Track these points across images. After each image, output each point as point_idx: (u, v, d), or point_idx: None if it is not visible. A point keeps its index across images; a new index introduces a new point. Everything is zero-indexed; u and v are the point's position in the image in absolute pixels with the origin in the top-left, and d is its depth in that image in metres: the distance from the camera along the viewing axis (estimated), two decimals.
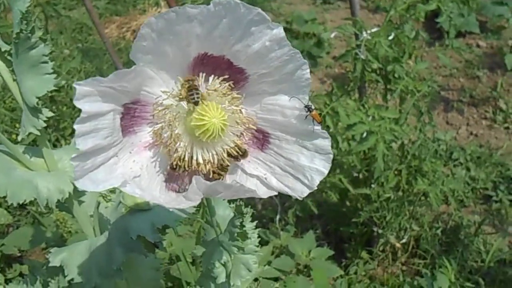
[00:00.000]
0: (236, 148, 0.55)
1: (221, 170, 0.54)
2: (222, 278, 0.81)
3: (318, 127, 0.55)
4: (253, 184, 0.56)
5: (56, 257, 0.83)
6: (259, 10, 0.49)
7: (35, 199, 0.77)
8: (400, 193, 2.07)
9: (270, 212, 2.38)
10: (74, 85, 0.44)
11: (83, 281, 0.80)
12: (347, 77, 1.93)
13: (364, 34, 1.81)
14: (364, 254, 2.22)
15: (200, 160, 0.53)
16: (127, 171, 0.50)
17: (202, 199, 0.71)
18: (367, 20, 3.71)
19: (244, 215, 0.69)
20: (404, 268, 2.24)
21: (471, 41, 3.57)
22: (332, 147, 1.80)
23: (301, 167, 0.56)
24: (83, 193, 0.88)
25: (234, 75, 0.55)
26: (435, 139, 2.70)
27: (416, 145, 2.01)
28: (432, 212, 2.40)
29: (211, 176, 0.55)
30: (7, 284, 1.02)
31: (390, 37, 1.85)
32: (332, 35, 3.46)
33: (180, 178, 0.55)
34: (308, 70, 0.54)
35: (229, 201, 0.85)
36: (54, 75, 0.76)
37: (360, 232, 2.21)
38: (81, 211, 0.88)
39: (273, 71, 0.54)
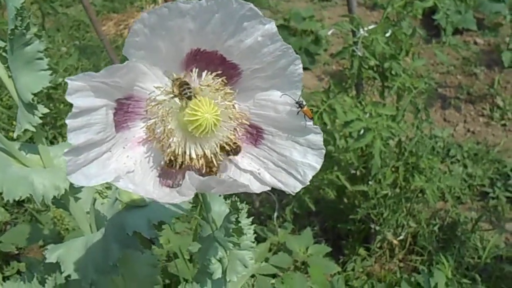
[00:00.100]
0: (229, 143, 0.55)
1: (214, 165, 0.55)
2: (218, 274, 0.81)
3: (310, 123, 0.55)
4: (247, 179, 0.57)
5: (52, 254, 0.83)
6: (251, 5, 0.49)
7: (31, 195, 0.77)
8: (397, 190, 2.07)
9: (267, 209, 2.39)
10: (66, 80, 0.45)
11: (80, 277, 0.80)
12: (344, 74, 1.93)
13: (361, 31, 1.81)
14: (361, 251, 2.22)
15: (193, 155, 0.53)
16: (120, 166, 0.51)
17: (197, 194, 0.71)
18: (365, 17, 3.72)
19: (240, 211, 0.69)
20: (401, 264, 2.25)
21: (468, 38, 3.58)
22: (329, 144, 1.79)
23: (294, 162, 0.56)
24: (79, 189, 0.88)
25: (227, 71, 0.55)
26: (432, 136, 2.71)
27: (413, 142, 2.01)
28: (429, 208, 2.41)
29: (204, 171, 0.55)
30: (4, 281, 1.02)
31: (387, 34, 1.86)
32: (329, 32, 3.47)
33: (174, 173, 0.55)
34: (301, 65, 0.54)
35: (225, 197, 0.86)
36: (49, 72, 0.77)
37: (357, 229, 2.22)
38: (78, 208, 0.88)
39: (266, 66, 0.54)
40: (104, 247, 0.79)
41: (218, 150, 0.54)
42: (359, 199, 2.16)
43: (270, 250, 2.05)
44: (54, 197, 0.80)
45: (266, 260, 1.91)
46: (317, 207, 2.19)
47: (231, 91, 0.55)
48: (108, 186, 0.90)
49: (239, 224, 0.71)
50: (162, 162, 0.54)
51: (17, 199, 0.76)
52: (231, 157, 0.57)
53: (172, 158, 0.53)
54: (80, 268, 0.80)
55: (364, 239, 2.25)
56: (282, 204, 2.31)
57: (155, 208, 0.79)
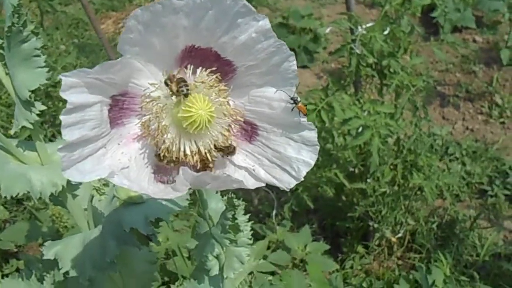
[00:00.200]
0: (223, 140, 0.55)
1: (208, 161, 0.55)
2: (215, 271, 0.82)
3: (304, 119, 0.55)
4: (242, 175, 0.57)
5: (50, 250, 0.83)
6: (245, 1, 0.49)
7: (29, 192, 0.78)
8: (396, 188, 2.08)
9: (266, 207, 2.39)
10: (60, 76, 0.45)
11: (77, 274, 0.80)
12: (343, 72, 1.93)
13: (359, 29, 1.81)
14: (360, 249, 2.23)
15: (188, 152, 0.54)
16: (115, 162, 0.51)
17: (194, 192, 0.72)
18: (364, 15, 3.71)
19: (236, 208, 0.69)
20: (399, 262, 2.25)
21: (467, 36, 3.58)
22: (327, 142, 1.79)
23: (288, 158, 0.56)
24: (76, 186, 0.88)
25: (222, 67, 0.55)
26: (430, 134, 2.71)
27: (412, 139, 2.01)
28: (428, 206, 2.41)
29: (199, 168, 0.55)
30: (3, 279, 1.03)
31: (386, 32, 1.86)
32: (328, 30, 3.47)
33: (169, 169, 0.55)
34: (295, 62, 0.54)
35: (222, 194, 0.86)
36: (46, 69, 0.77)
37: (356, 226, 2.22)
38: (75, 205, 0.88)
39: (260, 63, 0.54)
40: (102, 243, 0.79)
41: (212, 146, 0.55)
42: (357, 196, 2.16)
43: (268, 247, 2.06)
44: (52, 194, 0.80)
45: (265, 257, 1.92)
46: (315, 205, 2.19)
47: (226, 87, 0.55)
48: (106, 183, 0.90)
49: (236, 221, 0.71)
50: (157, 159, 0.55)
51: (14, 195, 0.76)
52: (225, 154, 0.57)
53: (167, 154, 0.53)
54: (77, 265, 0.81)
55: (363, 236, 2.26)
56: (280, 202, 2.31)
57: (152, 204, 0.79)
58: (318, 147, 0.55)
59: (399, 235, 2.23)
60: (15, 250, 2.06)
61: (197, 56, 0.54)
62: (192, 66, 0.54)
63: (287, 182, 0.56)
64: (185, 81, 0.52)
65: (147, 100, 0.53)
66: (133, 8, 3.97)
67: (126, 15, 3.85)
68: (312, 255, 1.98)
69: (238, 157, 0.58)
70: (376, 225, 2.16)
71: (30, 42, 0.75)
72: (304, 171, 0.56)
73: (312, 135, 0.55)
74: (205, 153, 0.54)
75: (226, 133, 0.55)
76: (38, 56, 0.76)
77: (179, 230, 1.98)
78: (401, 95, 1.92)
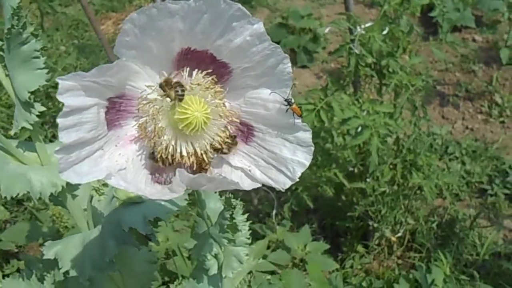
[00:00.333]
0: (219, 141, 0.56)
1: (205, 162, 0.56)
2: (214, 270, 0.82)
3: (298, 120, 0.56)
4: (238, 176, 0.58)
5: (50, 250, 0.84)
6: (239, 5, 0.50)
7: (29, 192, 0.78)
8: (395, 187, 2.08)
9: (266, 206, 2.40)
10: (57, 79, 0.45)
11: (77, 274, 0.81)
12: (342, 72, 1.93)
13: (358, 29, 1.82)
14: (360, 248, 2.23)
15: (184, 153, 0.54)
16: (112, 164, 0.51)
17: (194, 192, 0.72)
18: (363, 14, 3.72)
19: (234, 208, 0.70)
20: (399, 261, 2.26)
21: (467, 35, 3.58)
22: (327, 141, 1.80)
23: (284, 159, 0.57)
24: (76, 187, 0.89)
25: (218, 69, 0.56)
26: (430, 133, 2.72)
27: (411, 139, 2.02)
28: (428, 206, 2.42)
29: (195, 169, 0.56)
30: (4, 279, 1.03)
31: (385, 32, 1.86)
32: (327, 30, 3.47)
33: (165, 170, 0.56)
34: (290, 64, 0.55)
35: (220, 194, 0.86)
36: (46, 70, 0.77)
37: (356, 226, 2.23)
38: (75, 205, 0.89)
39: (256, 65, 0.55)
40: (101, 243, 0.80)
41: (208, 147, 0.55)
42: (357, 196, 2.16)
43: (268, 247, 2.06)
44: (52, 194, 0.80)
45: (265, 257, 1.92)
46: (315, 205, 2.20)
47: (221, 89, 0.56)
48: (105, 183, 0.90)
49: (234, 221, 0.72)
50: (154, 160, 0.55)
51: (14, 196, 0.77)
52: (222, 154, 0.58)
53: (163, 156, 0.54)
54: (77, 265, 0.81)
55: (363, 236, 2.26)
56: (280, 201, 2.32)
57: (151, 204, 0.79)
58: (312, 148, 0.56)
59: (399, 234, 2.24)
60: (16, 250, 2.07)
61: (193, 59, 0.54)
62: (188, 69, 0.55)
63: (282, 183, 0.57)
64: (181, 85, 0.52)
65: (144, 102, 0.54)
66: (133, 9, 3.98)
67: (126, 16, 3.84)
68: (312, 254, 1.99)
69: (235, 158, 0.58)
70: (376, 225, 2.16)
71: (29, 44, 0.76)
72: (299, 171, 0.56)
73: (307, 136, 0.56)
74: (201, 154, 0.55)
75: (222, 134, 0.56)
76: (37, 57, 0.77)
77: (179, 230, 1.99)
78: (400, 94, 1.93)
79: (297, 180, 0.56)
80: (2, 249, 1.96)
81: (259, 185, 0.57)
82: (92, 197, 0.88)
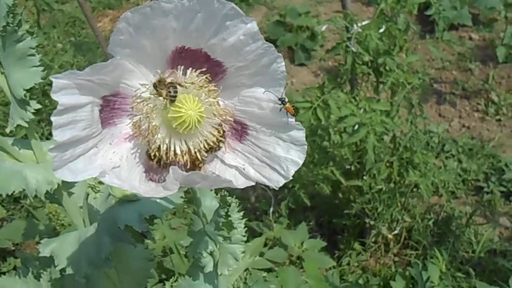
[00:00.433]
0: (213, 139, 0.56)
1: (198, 160, 0.56)
2: (209, 267, 0.83)
3: (292, 119, 0.57)
4: (232, 174, 0.58)
5: (46, 248, 0.84)
6: (233, 4, 0.51)
7: (24, 190, 0.78)
8: (392, 185, 2.09)
9: (263, 204, 2.40)
10: (51, 78, 0.46)
11: (73, 271, 0.81)
12: (339, 70, 1.94)
13: (355, 27, 1.82)
14: (356, 246, 2.24)
15: (178, 151, 0.55)
16: (106, 161, 0.52)
17: (190, 190, 0.72)
18: (360, 12, 3.72)
19: (229, 205, 0.70)
20: (396, 259, 2.27)
21: (463, 33, 3.59)
22: (324, 139, 1.80)
23: (277, 157, 0.57)
24: (72, 184, 0.89)
25: (212, 68, 0.56)
26: (427, 131, 2.72)
27: (408, 137, 2.02)
28: (424, 203, 2.42)
29: (189, 167, 0.56)
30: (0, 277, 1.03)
31: (381, 30, 1.86)
32: (324, 28, 3.47)
33: (159, 168, 0.56)
34: (283, 63, 0.55)
35: (216, 192, 0.87)
36: (41, 68, 0.77)
37: (352, 223, 2.23)
38: (71, 203, 0.89)
39: (249, 64, 0.55)
40: (97, 241, 0.80)
41: (202, 146, 0.55)
42: (354, 194, 2.17)
43: (265, 245, 2.07)
44: (47, 192, 0.81)
45: (262, 255, 1.93)
46: (312, 202, 2.20)
47: (216, 88, 0.56)
48: (101, 181, 0.90)
49: (229, 218, 0.72)
50: (148, 158, 0.55)
51: (10, 193, 0.77)
52: (216, 153, 0.58)
53: (157, 154, 0.54)
54: (73, 262, 0.81)
55: (359, 233, 2.27)
56: (277, 199, 2.32)
57: (147, 202, 0.80)
58: (306, 147, 0.56)
59: (396, 232, 2.25)
60: (13, 248, 2.07)
61: (188, 57, 0.55)
62: (182, 67, 0.55)
63: (276, 181, 0.57)
64: (174, 86, 0.53)
65: (138, 100, 0.54)
66: (130, 6, 3.97)
67: (123, 13, 3.85)
68: (308, 252, 2.00)
69: (229, 156, 0.59)
70: (372, 222, 2.17)
71: (25, 41, 0.76)
72: (292, 170, 0.57)
73: (301, 134, 0.56)
74: (195, 152, 0.55)
75: (216, 133, 0.56)
76: (33, 55, 0.77)
77: (176, 228, 1.99)
78: (397, 92, 1.93)
79: (291, 178, 0.57)
80: None
81: (253, 183, 0.57)
82: (88, 194, 0.89)
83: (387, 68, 1.87)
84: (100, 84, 0.50)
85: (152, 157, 0.55)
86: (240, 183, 0.57)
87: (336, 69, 3.36)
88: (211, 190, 0.86)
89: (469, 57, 3.39)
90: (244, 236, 0.83)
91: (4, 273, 1.03)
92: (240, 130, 0.59)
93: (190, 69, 0.55)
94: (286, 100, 0.55)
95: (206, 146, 0.56)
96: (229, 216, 0.72)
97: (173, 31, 0.51)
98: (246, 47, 0.53)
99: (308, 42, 3.47)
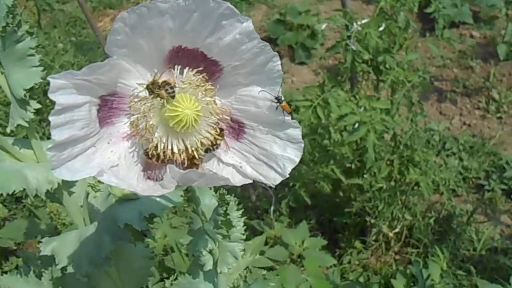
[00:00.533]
0: (210, 138, 0.57)
1: (196, 159, 0.56)
2: (209, 266, 0.83)
3: (288, 117, 0.57)
4: (229, 172, 0.58)
5: (47, 247, 0.85)
6: (228, 4, 0.51)
7: (25, 189, 0.79)
8: (393, 183, 2.09)
9: (264, 203, 2.41)
10: (48, 78, 0.46)
11: (74, 270, 0.82)
12: (339, 69, 1.94)
13: (355, 25, 1.82)
14: (357, 244, 2.24)
15: (175, 150, 0.55)
16: (104, 160, 0.52)
17: (189, 189, 0.73)
18: (361, 11, 3.72)
19: (228, 204, 0.71)
20: (397, 257, 2.27)
21: (464, 31, 3.58)
22: (324, 138, 1.80)
23: (274, 155, 0.58)
24: (72, 184, 0.90)
25: (209, 67, 0.56)
26: (427, 129, 2.72)
27: (408, 135, 2.02)
28: (425, 201, 2.43)
29: (186, 165, 0.56)
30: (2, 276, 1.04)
31: (381, 28, 1.86)
32: (323, 27, 3.47)
33: (157, 167, 0.57)
34: (279, 62, 0.55)
35: (215, 191, 0.87)
36: (41, 68, 0.78)
37: (353, 222, 2.23)
38: (71, 202, 0.90)
39: (246, 63, 0.55)
40: (97, 239, 0.81)
41: (199, 144, 0.56)
42: (354, 192, 2.17)
43: (267, 243, 2.07)
44: (48, 191, 0.81)
45: (262, 253, 1.93)
46: (313, 201, 2.21)
47: (212, 87, 0.56)
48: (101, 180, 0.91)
49: (228, 217, 0.73)
50: (146, 157, 0.56)
51: (10, 192, 0.78)
52: (213, 151, 0.58)
53: (155, 153, 0.55)
54: (74, 261, 0.82)
55: (360, 232, 2.27)
56: (278, 198, 2.33)
57: (146, 201, 0.80)
58: (302, 145, 0.57)
59: (396, 230, 2.25)
60: (14, 247, 2.08)
61: (185, 57, 0.55)
62: (179, 66, 0.55)
63: (273, 179, 0.58)
64: (169, 84, 0.53)
65: (136, 100, 0.54)
66: (130, 6, 3.96)
67: None
68: (309, 250, 2.00)
69: (226, 155, 0.59)
70: (373, 221, 2.17)
71: (24, 42, 0.76)
72: (289, 168, 0.57)
73: (297, 132, 0.57)
74: (192, 151, 0.56)
75: (213, 132, 0.57)
76: (32, 55, 0.77)
77: (177, 227, 2.00)
78: (397, 91, 1.93)
79: (287, 176, 0.57)
80: (1, 247, 1.96)
81: (250, 181, 0.57)
82: (88, 194, 0.89)
83: (387, 66, 1.87)
84: (98, 83, 0.51)
85: (150, 156, 0.55)
86: (237, 181, 0.57)
87: (337, 68, 3.35)
88: (210, 188, 0.86)
89: (470, 55, 3.39)
90: (244, 234, 0.83)
91: (6, 272, 1.04)
92: (237, 129, 0.59)
93: (187, 68, 0.55)
94: (283, 98, 0.56)
95: (203, 144, 0.57)
96: (228, 214, 0.72)
97: (170, 31, 0.52)
98: (242, 46, 0.54)
99: (309, 41, 3.47)
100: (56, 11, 3.75)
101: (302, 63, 3.47)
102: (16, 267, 1.92)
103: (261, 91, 0.56)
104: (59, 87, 0.47)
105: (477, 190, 2.60)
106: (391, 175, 2.06)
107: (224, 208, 0.71)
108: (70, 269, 0.82)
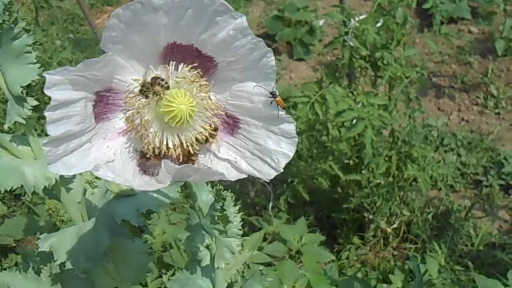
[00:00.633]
0: (205, 133, 0.57)
1: (191, 154, 0.57)
2: (206, 261, 0.84)
3: (282, 112, 0.57)
4: (224, 167, 0.59)
5: (45, 243, 0.85)
6: (222, 0, 0.51)
7: (22, 186, 0.79)
8: (391, 179, 2.09)
9: (263, 199, 2.41)
10: (44, 74, 0.46)
11: (72, 266, 0.82)
12: (336, 65, 1.94)
13: (352, 21, 1.82)
14: (356, 240, 2.25)
15: (170, 145, 0.56)
16: (100, 156, 0.53)
17: (186, 184, 0.73)
18: (359, 7, 3.72)
19: (224, 199, 0.71)
20: (395, 252, 2.28)
21: (463, 27, 3.58)
22: (322, 134, 1.81)
23: (269, 150, 0.58)
24: (70, 180, 0.90)
25: (204, 63, 0.57)
26: (425, 125, 2.73)
27: (406, 131, 2.03)
28: (423, 197, 2.43)
29: (181, 160, 0.57)
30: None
31: (379, 24, 1.87)
32: (321, 23, 3.47)
33: (153, 162, 0.57)
34: (273, 58, 0.56)
35: (212, 186, 0.87)
36: (38, 65, 0.78)
37: (351, 218, 2.24)
38: (69, 198, 0.90)
39: (240, 59, 0.56)
40: (95, 235, 0.81)
41: (194, 139, 0.56)
42: (352, 188, 2.18)
43: (265, 239, 2.08)
44: (46, 187, 0.81)
45: (261, 249, 1.94)
46: (311, 197, 2.21)
47: (207, 82, 0.57)
48: (98, 176, 0.91)
49: (225, 212, 0.73)
50: (141, 152, 0.56)
51: (8, 189, 0.78)
52: (208, 145, 0.59)
53: (150, 148, 0.55)
54: (72, 257, 0.82)
55: (358, 228, 2.28)
56: (277, 194, 2.33)
57: (143, 197, 0.81)
58: (296, 140, 0.57)
59: (395, 226, 2.26)
60: (14, 244, 2.08)
61: (179, 52, 0.56)
62: (174, 62, 0.56)
63: (267, 173, 0.58)
64: (161, 78, 0.54)
65: (131, 95, 0.55)
66: (127, 2, 3.96)
67: None
68: (307, 246, 2.01)
69: (221, 150, 0.60)
70: (371, 216, 2.18)
71: (21, 39, 0.77)
72: (283, 162, 0.58)
73: (291, 127, 0.57)
74: (187, 146, 0.56)
75: (208, 127, 0.57)
76: (29, 52, 0.77)
77: (175, 223, 2.00)
78: (394, 87, 1.93)
79: (282, 170, 0.58)
80: (0, 244, 1.97)
81: (245, 176, 0.58)
82: (85, 190, 0.89)
83: (385, 62, 1.87)
84: (93, 79, 0.51)
85: (146, 151, 0.56)
86: (232, 175, 0.58)
87: (335, 64, 3.35)
88: (207, 184, 0.87)
89: (468, 51, 3.39)
90: (240, 230, 0.84)
91: (5, 269, 1.04)
92: (232, 124, 0.60)
93: (182, 64, 0.56)
94: (277, 93, 0.56)
95: (198, 139, 0.57)
96: (225, 210, 0.73)
97: (164, 27, 0.52)
98: (235, 42, 0.54)
99: (307, 37, 3.47)
100: (54, 8, 3.75)
101: (300, 60, 3.47)
102: (16, 264, 1.92)
103: (256, 86, 0.57)
104: (55, 83, 0.48)
105: (475, 186, 2.61)
106: (389, 171, 2.06)
107: (221, 204, 0.71)
108: (68, 265, 0.83)
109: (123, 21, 0.50)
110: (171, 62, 0.55)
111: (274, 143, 0.58)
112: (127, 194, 0.83)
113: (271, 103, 0.57)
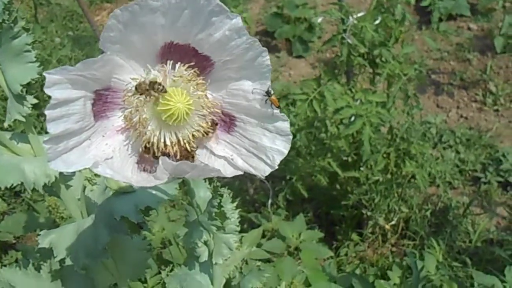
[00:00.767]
0: (202, 130, 0.58)
1: (188, 151, 0.58)
2: (204, 257, 0.85)
3: (276, 111, 0.59)
4: (221, 164, 0.60)
5: (45, 239, 0.86)
6: (218, 1, 0.53)
7: (22, 183, 0.80)
8: (389, 176, 2.10)
9: (262, 196, 2.42)
10: (44, 73, 0.48)
11: (72, 262, 0.83)
12: (334, 62, 1.95)
13: (351, 18, 1.83)
14: (354, 236, 2.26)
15: (168, 143, 0.57)
16: (99, 153, 0.54)
17: (184, 181, 0.74)
18: (358, 4, 3.72)
19: (221, 196, 0.72)
20: (393, 249, 2.29)
21: (462, 24, 3.59)
22: (321, 131, 1.81)
23: (264, 148, 0.59)
24: (70, 177, 0.91)
25: (201, 62, 0.58)
26: (424, 122, 2.74)
27: (404, 128, 2.04)
28: (421, 194, 2.44)
29: (178, 157, 0.58)
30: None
31: (377, 21, 1.87)
32: (320, 20, 3.47)
33: (151, 159, 0.58)
34: (268, 57, 0.57)
35: (210, 183, 0.88)
36: (38, 63, 0.79)
37: (350, 214, 2.25)
38: (69, 195, 0.91)
39: (236, 58, 0.57)
40: (94, 232, 0.82)
41: (191, 137, 0.58)
42: (351, 185, 2.19)
43: (264, 236, 2.09)
44: (45, 184, 0.82)
45: (259, 246, 1.95)
46: (310, 194, 2.22)
47: (204, 81, 0.58)
48: (97, 174, 0.92)
49: (222, 208, 0.74)
50: (140, 149, 0.58)
51: (8, 186, 0.79)
52: (207, 141, 0.60)
53: (148, 145, 0.56)
54: (71, 253, 0.83)
55: (357, 224, 2.29)
56: (276, 191, 2.34)
57: (142, 194, 0.82)
58: (291, 137, 0.59)
59: (393, 222, 2.26)
60: (14, 241, 2.09)
61: (176, 52, 0.57)
62: (171, 62, 0.57)
63: (262, 170, 0.59)
64: (156, 82, 0.55)
65: (129, 94, 0.56)
66: (127, 0, 3.97)
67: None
68: (306, 243, 2.02)
69: (218, 147, 0.61)
70: (369, 213, 2.19)
71: (20, 38, 0.78)
72: (278, 159, 0.59)
73: (285, 125, 0.59)
74: (185, 143, 0.58)
75: (205, 125, 0.58)
76: (28, 51, 0.78)
77: (175, 220, 2.01)
78: (393, 84, 1.94)
79: (276, 167, 0.59)
80: (0, 240, 1.98)
81: (241, 173, 0.59)
82: (85, 187, 0.90)
83: (383, 59, 1.88)
84: (92, 78, 0.52)
85: (144, 148, 0.57)
86: (229, 172, 0.59)
87: (333, 61, 3.36)
88: (205, 181, 0.88)
89: (467, 48, 3.39)
90: (238, 226, 0.85)
91: (6, 266, 1.05)
92: (228, 122, 0.61)
93: (179, 63, 0.57)
94: (272, 92, 0.57)
95: (195, 137, 0.58)
96: (222, 206, 0.74)
97: (162, 28, 0.53)
98: (231, 42, 0.55)
99: (306, 34, 3.47)
100: (53, 5, 3.75)
101: (299, 57, 3.47)
102: (16, 261, 1.93)
103: (252, 84, 0.58)
104: (55, 82, 0.49)
105: (473, 183, 2.62)
106: (387, 168, 2.07)
107: (218, 200, 0.72)
108: (68, 262, 0.84)
109: (121, 22, 0.51)
110: (168, 61, 0.57)
111: (269, 141, 0.59)
112: (126, 191, 0.84)
113: (266, 101, 0.58)
